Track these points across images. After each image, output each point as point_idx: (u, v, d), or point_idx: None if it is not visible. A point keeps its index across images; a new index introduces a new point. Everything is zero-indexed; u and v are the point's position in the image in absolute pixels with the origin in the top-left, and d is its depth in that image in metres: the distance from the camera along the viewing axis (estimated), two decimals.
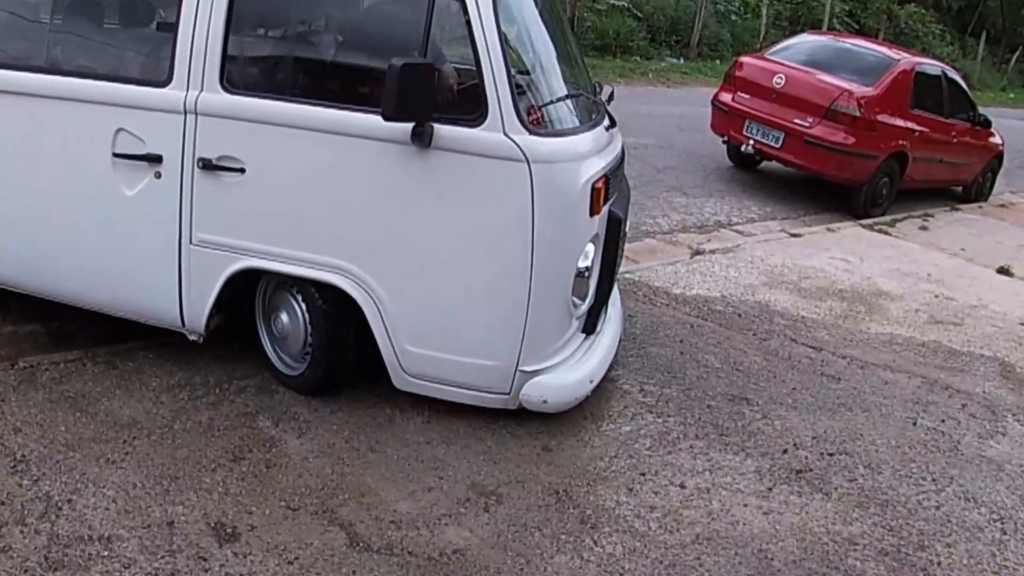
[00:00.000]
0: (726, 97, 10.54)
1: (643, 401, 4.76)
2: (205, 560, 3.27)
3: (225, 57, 3.85)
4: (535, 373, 4.11)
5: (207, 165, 3.92)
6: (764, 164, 11.00)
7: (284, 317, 4.28)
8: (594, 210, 4.02)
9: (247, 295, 4.38)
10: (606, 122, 4.51)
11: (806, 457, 4.46)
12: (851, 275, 7.54)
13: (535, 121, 3.88)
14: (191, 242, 4.07)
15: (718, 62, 20.24)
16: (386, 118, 3.56)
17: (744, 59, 10.96)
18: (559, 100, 4.16)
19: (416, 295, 3.96)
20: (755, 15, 23.51)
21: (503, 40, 3.67)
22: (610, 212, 4.29)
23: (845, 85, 9.72)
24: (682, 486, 4.07)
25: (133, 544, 3.32)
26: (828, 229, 9.06)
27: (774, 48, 11.24)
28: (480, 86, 3.68)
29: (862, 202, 9.96)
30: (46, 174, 4.21)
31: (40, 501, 3.49)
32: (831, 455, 4.51)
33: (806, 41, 11.24)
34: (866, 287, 7.29)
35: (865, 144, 9.62)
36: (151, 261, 4.16)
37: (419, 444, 4.12)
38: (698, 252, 7.58)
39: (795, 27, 22.17)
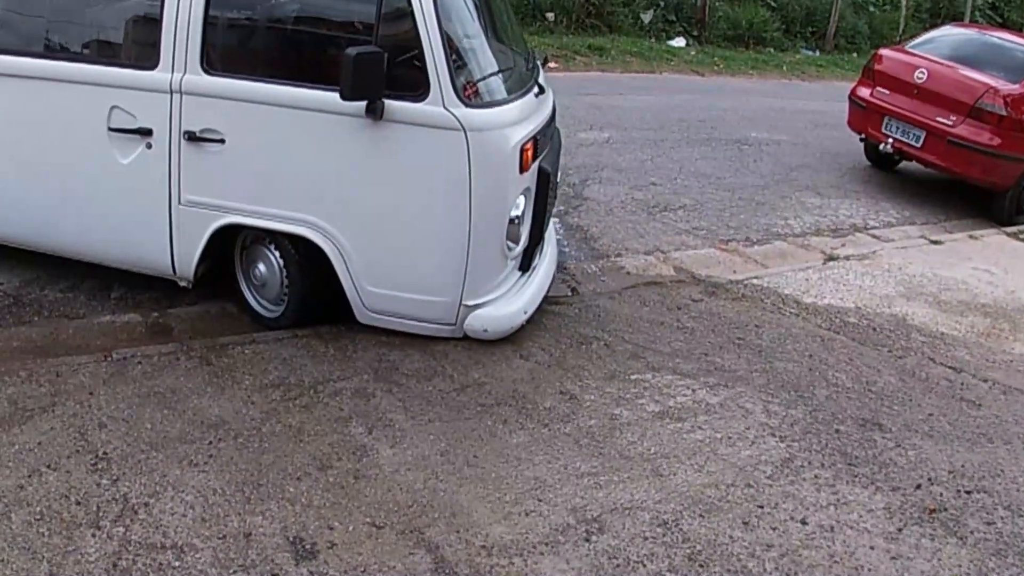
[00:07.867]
0: (864, 92, 9.97)
1: (766, 423, 4.39)
2: None
3: (205, 43, 4.37)
4: (477, 307, 4.72)
5: (192, 137, 4.46)
6: (903, 164, 10.38)
7: (262, 267, 4.83)
8: (523, 168, 4.61)
9: (230, 248, 4.90)
10: (536, 90, 5.07)
11: (941, 494, 4.04)
12: (994, 288, 6.96)
13: (470, 95, 4.43)
14: (180, 203, 4.62)
15: (855, 55, 19.39)
16: (344, 97, 4.11)
17: (884, 52, 10.35)
18: (491, 75, 4.76)
19: (374, 243, 4.56)
20: (894, 6, 22.54)
21: (442, 28, 4.23)
22: (540, 168, 4.88)
23: (991, 82, 9.05)
24: (804, 522, 3.71)
25: (206, 555, 3.15)
26: (971, 236, 8.42)
27: (915, 41, 10.58)
28: (423, 66, 4.23)
29: (1007, 208, 9.29)
30: (53, 147, 4.73)
31: (117, 503, 3.36)
32: (968, 493, 4.08)
33: (949, 34, 10.55)
34: (1010, 302, 6.71)
35: (1011, 146, 8.92)
36: (146, 219, 4.69)
37: (520, 461, 3.86)
38: (831, 258, 7.12)
39: (936, 19, 21.13)
